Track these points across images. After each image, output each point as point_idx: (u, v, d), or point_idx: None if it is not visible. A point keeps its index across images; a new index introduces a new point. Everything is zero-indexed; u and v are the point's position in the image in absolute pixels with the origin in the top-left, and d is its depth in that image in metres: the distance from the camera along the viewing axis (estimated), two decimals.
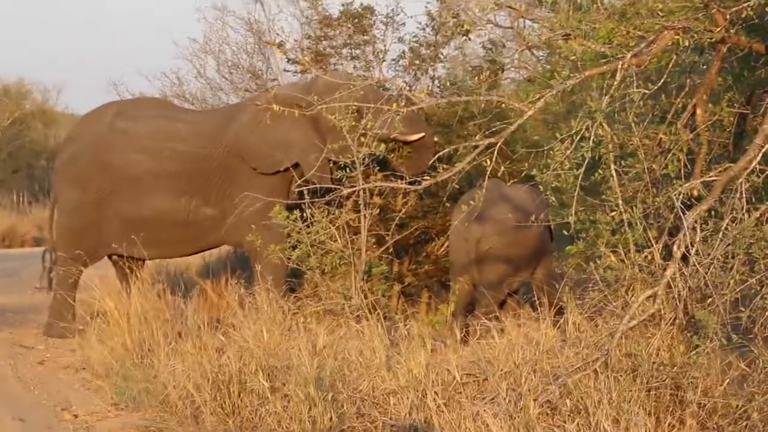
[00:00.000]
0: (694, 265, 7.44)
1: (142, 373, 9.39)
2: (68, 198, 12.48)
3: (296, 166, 11.68)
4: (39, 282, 13.04)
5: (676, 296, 7.51)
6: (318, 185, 11.06)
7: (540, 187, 8.82)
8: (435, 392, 7.57)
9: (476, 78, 12.84)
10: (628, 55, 8.02)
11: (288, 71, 15.00)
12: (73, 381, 10.34)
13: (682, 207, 7.63)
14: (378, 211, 11.38)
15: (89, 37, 78.34)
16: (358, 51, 13.97)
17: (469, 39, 13.12)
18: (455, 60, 13.74)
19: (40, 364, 11.13)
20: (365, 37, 13.74)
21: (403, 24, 13.64)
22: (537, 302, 9.50)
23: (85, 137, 12.61)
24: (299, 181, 10.99)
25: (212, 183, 12.01)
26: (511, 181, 11.26)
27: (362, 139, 10.54)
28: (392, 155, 11.65)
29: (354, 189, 10.02)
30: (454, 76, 13.58)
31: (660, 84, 8.43)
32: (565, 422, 6.91)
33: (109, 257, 12.71)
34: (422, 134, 11.89)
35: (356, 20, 13.88)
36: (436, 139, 12.27)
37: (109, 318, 10.89)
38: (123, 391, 9.25)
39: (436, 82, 13.53)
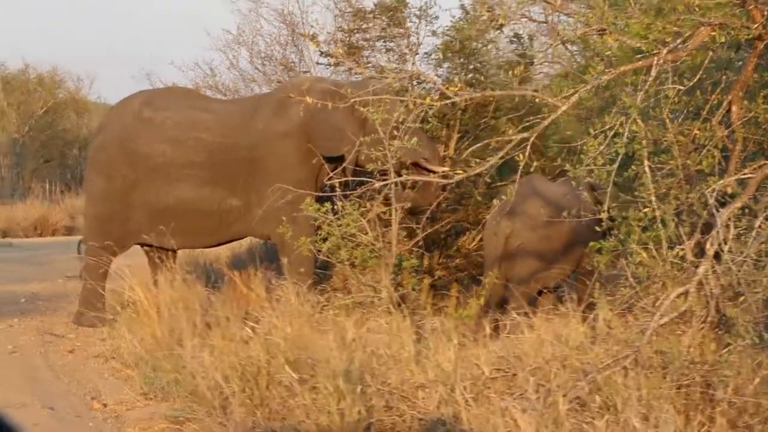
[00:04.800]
0: (727, 263, 7.40)
1: (171, 363, 9.39)
2: (96, 187, 12.53)
3: (330, 159, 11.67)
4: (78, 272, 13.06)
5: (708, 294, 7.47)
6: (350, 178, 11.02)
7: (573, 182, 8.78)
8: (464, 387, 7.54)
9: (509, 72, 12.83)
10: (664, 51, 7.95)
11: (321, 64, 15.01)
12: (103, 370, 10.38)
13: (716, 204, 7.59)
14: (409, 204, 11.37)
15: (123, 27, 78.62)
16: (391, 44, 13.95)
17: (502, 32, 13.10)
18: (488, 54, 13.66)
19: (71, 352, 11.17)
20: (399, 30, 13.70)
21: (437, 17, 13.61)
22: (568, 298, 9.45)
23: (113, 126, 12.66)
24: (331, 174, 10.98)
25: (238, 174, 12.00)
26: (550, 177, 11.23)
27: (395, 132, 10.51)
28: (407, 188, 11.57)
29: (386, 182, 10.01)
30: (487, 70, 13.52)
31: (695, 80, 8.38)
32: (594, 419, 6.86)
33: (141, 247, 12.74)
34: (447, 170, 11.83)
35: (390, 13, 13.85)
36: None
37: (138, 308, 10.91)
38: (152, 381, 9.27)
39: (470, 76, 13.48)
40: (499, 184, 11.95)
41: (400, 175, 10.89)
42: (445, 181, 10.04)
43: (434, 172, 11.56)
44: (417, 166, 11.60)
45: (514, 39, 14.04)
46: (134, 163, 12.22)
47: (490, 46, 13.62)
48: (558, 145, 10.21)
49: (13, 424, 2.66)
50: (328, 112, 10.77)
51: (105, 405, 9.03)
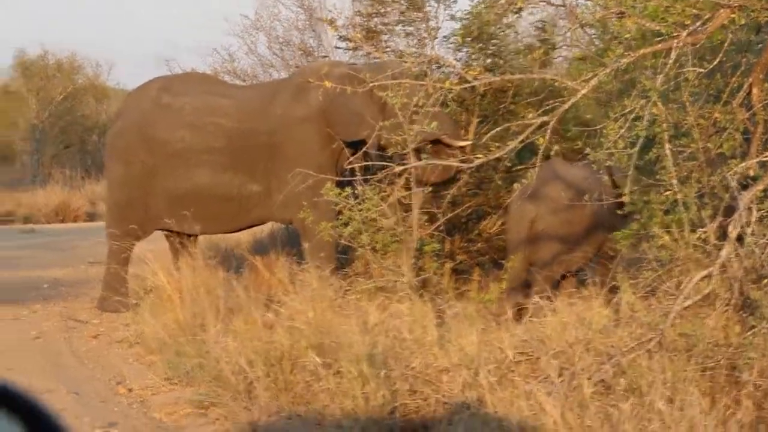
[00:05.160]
0: (750, 246, 7.40)
1: (194, 348, 9.45)
2: (115, 173, 12.59)
3: (350, 143, 11.69)
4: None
5: (731, 276, 7.48)
6: (370, 162, 11.03)
7: (594, 166, 8.78)
8: (488, 370, 7.56)
9: (528, 56, 12.81)
10: (684, 34, 7.94)
11: (339, 48, 15.01)
12: (127, 355, 10.44)
13: (738, 187, 7.58)
14: (430, 188, 11.38)
15: (141, 12, 78.64)
16: (410, 28, 13.93)
17: (521, 17, 13.08)
18: (506, 39, 13.62)
19: (94, 338, 11.23)
20: (418, 14, 13.68)
21: (455, 1, 13.59)
22: (591, 281, 9.46)
23: (131, 112, 12.71)
24: (351, 158, 11.00)
25: (258, 159, 12.03)
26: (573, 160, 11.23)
27: (414, 117, 10.51)
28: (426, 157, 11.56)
29: (406, 166, 10.03)
30: (506, 55, 13.49)
31: (715, 63, 8.36)
32: (618, 402, 6.88)
33: (163, 232, 12.79)
34: (470, 142, 11.86)
35: None
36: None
37: (161, 293, 10.97)
38: (176, 366, 9.32)
39: (489, 61, 13.46)
40: (519, 168, 11.94)
41: (420, 156, 10.92)
42: (465, 165, 10.05)
43: (457, 148, 11.61)
44: (439, 143, 11.60)
45: (538, 24, 13.99)
46: (153, 149, 12.26)
47: (508, 31, 13.59)
48: (577, 129, 10.19)
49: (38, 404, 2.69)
50: (347, 97, 10.78)
51: (130, 390, 9.10)
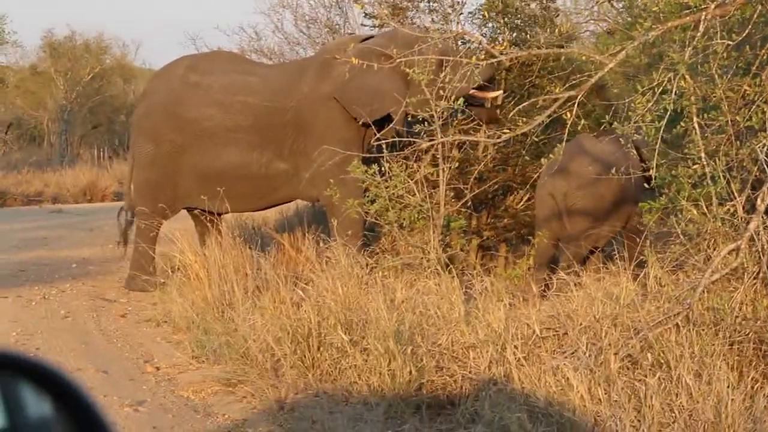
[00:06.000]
0: None
1: (222, 326, 9.47)
2: (143, 152, 12.59)
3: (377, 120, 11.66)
4: (118, 238, 13.17)
5: (760, 250, 7.42)
6: (397, 138, 11.01)
7: (621, 140, 8.73)
8: (514, 346, 7.54)
9: (555, 30, 12.73)
10: (712, 6, 7.86)
11: (365, 25, 14.98)
12: (155, 334, 10.47)
13: (766, 160, 7.52)
14: (456, 164, 11.35)
15: None
16: (435, 4, 13.87)
17: None
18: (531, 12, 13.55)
19: (122, 317, 11.26)
20: None
21: None
22: (618, 256, 9.42)
23: (158, 92, 12.72)
24: (378, 135, 10.97)
25: (285, 137, 12.02)
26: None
27: (441, 92, 10.47)
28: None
29: (433, 142, 10.00)
30: (531, 28, 13.42)
31: (744, 35, 8.27)
32: (646, 376, 6.85)
33: (189, 211, 12.81)
34: (500, 92, 11.85)
35: None
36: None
37: (189, 272, 10.99)
38: (204, 345, 9.35)
39: (514, 35, 13.39)
40: (544, 142, 11.89)
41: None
42: (492, 141, 10.01)
43: (489, 99, 11.64)
44: (472, 97, 11.53)
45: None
46: (181, 127, 12.25)
47: (533, 5, 13.51)
48: (604, 104, 10.13)
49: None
50: (362, 77, 10.83)
51: (158, 368, 9.12)
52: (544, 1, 13.44)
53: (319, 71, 12.05)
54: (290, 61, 15.51)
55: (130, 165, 13.08)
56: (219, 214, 12.43)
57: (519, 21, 13.35)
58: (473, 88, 11.08)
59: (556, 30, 12.59)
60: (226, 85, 12.29)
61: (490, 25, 13.51)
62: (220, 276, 10.54)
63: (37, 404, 2.59)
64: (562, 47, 11.89)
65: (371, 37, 12.45)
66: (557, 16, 13.68)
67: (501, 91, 11.97)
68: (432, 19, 13.91)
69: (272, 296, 9.37)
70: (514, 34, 13.37)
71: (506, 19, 13.27)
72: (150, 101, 12.77)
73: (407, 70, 10.36)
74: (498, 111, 11.96)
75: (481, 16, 13.31)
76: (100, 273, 13.85)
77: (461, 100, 10.33)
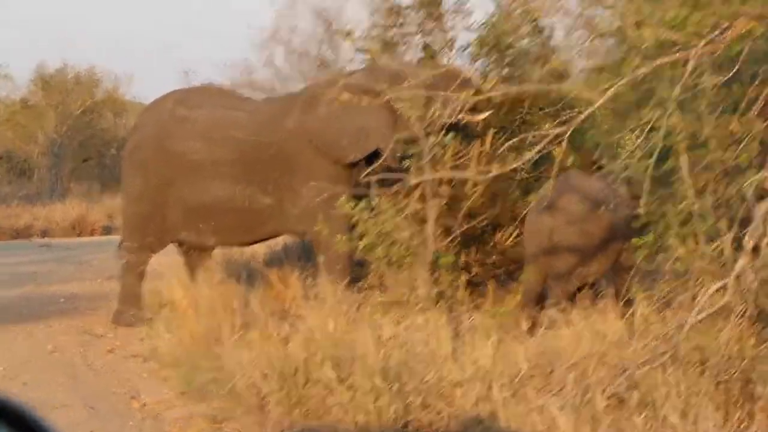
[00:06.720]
0: (765, 257, 7.34)
1: (209, 362, 9.43)
2: (132, 185, 12.58)
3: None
4: (118, 272, 13.11)
5: (747, 288, 7.42)
6: (385, 175, 11.00)
7: (611, 177, 8.74)
8: (501, 384, 7.51)
9: (545, 66, 12.73)
10: (701, 44, 7.88)
11: (356, 60, 14.99)
12: (142, 370, 10.42)
13: (754, 198, 7.52)
14: (445, 201, 11.33)
15: (161, 25, 78.92)
16: (428, 39, 13.88)
17: (538, 27, 13.04)
18: (523, 49, 13.54)
19: (110, 352, 11.22)
20: (436, 24, 13.64)
21: (472, 12, 13.55)
22: (606, 293, 9.40)
23: (148, 125, 12.73)
24: (367, 170, 10.96)
25: (270, 172, 12.01)
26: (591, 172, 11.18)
27: (430, 128, 10.48)
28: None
29: (421, 179, 9.99)
30: (522, 65, 13.43)
31: (733, 72, 8.29)
32: (632, 415, 6.83)
33: (178, 246, 12.78)
34: (489, 112, 11.84)
35: (426, 8, 13.80)
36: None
37: (177, 307, 10.96)
38: (190, 381, 9.30)
39: (505, 71, 13.40)
40: (534, 178, 11.88)
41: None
42: (482, 177, 10.00)
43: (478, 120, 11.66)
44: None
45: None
46: (169, 161, 12.25)
47: (526, 41, 13.52)
48: (594, 140, 10.15)
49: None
50: (345, 117, 10.89)
51: (144, 404, 9.07)
52: (540, 38, 13.43)
53: (305, 106, 12.05)
54: (277, 96, 15.53)
55: (121, 199, 13.08)
56: (208, 249, 12.41)
57: (510, 57, 13.35)
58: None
59: (547, 66, 12.59)
60: (213, 119, 12.30)
61: (481, 60, 13.52)
62: (208, 311, 10.50)
63: None
64: (552, 83, 11.89)
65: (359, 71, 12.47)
66: (553, 53, 13.67)
67: (490, 111, 11.94)
68: (423, 54, 13.92)
69: (260, 332, 9.33)
70: (506, 71, 13.38)
71: (498, 55, 13.28)
72: (140, 134, 12.78)
73: (395, 105, 10.37)
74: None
75: (471, 53, 13.32)
76: (89, 308, 13.77)
77: (450, 135, 10.35)
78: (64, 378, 9.97)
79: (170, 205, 12.25)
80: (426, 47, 12.55)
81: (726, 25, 7.98)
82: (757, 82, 8.86)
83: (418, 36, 14.05)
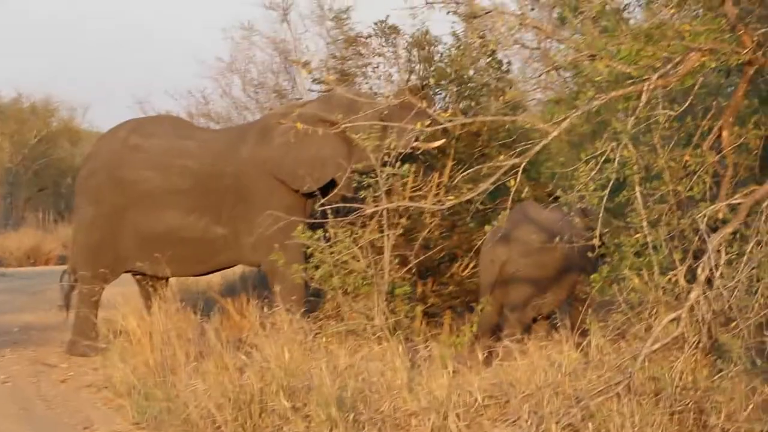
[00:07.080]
0: (719, 288, 7.39)
1: (163, 392, 9.36)
2: (85, 214, 12.51)
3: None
4: (60, 302, 13.03)
5: (700, 319, 7.47)
6: (341, 204, 11.01)
7: (565, 208, 8.78)
8: (457, 414, 7.52)
9: (499, 99, 12.81)
10: (654, 77, 7.96)
11: (313, 91, 15.02)
12: (95, 400, 10.33)
13: (707, 229, 7.58)
14: (402, 231, 11.35)
15: (116, 55, 78.60)
16: (383, 70, 13.92)
17: (495, 59, 13.11)
18: (479, 81, 13.61)
19: (63, 382, 11.12)
20: (394, 51, 13.68)
21: (433, 45, 13.57)
22: (561, 324, 9.43)
23: (101, 154, 12.67)
24: (323, 200, 10.97)
25: (224, 201, 11.99)
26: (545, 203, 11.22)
27: (386, 158, 10.50)
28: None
29: (377, 208, 9.99)
30: (479, 97, 13.48)
31: (686, 106, 8.39)
32: None
33: (133, 275, 12.71)
34: (443, 140, 11.90)
35: (386, 38, 13.83)
36: None
37: (131, 336, 10.88)
38: (144, 410, 9.23)
39: (463, 104, 13.45)
40: (490, 210, 11.94)
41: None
42: (437, 208, 10.02)
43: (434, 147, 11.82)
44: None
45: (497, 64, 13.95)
46: (122, 189, 12.21)
47: (482, 73, 13.59)
48: (549, 172, 10.22)
49: None
50: (300, 147, 10.93)
51: None
52: (498, 72, 13.49)
53: (259, 136, 12.05)
54: (232, 126, 15.54)
55: (74, 228, 12.99)
56: (164, 279, 12.35)
57: (469, 90, 13.41)
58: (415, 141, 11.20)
59: (502, 98, 12.67)
60: (166, 148, 12.26)
61: (438, 92, 13.56)
62: (163, 341, 10.43)
63: None
64: (508, 115, 11.95)
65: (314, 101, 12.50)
66: (510, 87, 13.73)
67: (444, 140, 11.99)
68: (380, 85, 13.95)
69: (215, 362, 9.29)
70: (464, 103, 13.43)
71: (456, 88, 13.33)
72: (92, 163, 12.71)
73: (350, 135, 10.40)
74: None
75: (429, 84, 13.36)
76: (42, 338, 13.67)
77: (406, 166, 10.38)
78: (16, 408, 9.87)
79: (123, 234, 12.19)
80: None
81: (679, 59, 8.07)
82: (709, 116, 8.97)
83: (374, 67, 14.08)
